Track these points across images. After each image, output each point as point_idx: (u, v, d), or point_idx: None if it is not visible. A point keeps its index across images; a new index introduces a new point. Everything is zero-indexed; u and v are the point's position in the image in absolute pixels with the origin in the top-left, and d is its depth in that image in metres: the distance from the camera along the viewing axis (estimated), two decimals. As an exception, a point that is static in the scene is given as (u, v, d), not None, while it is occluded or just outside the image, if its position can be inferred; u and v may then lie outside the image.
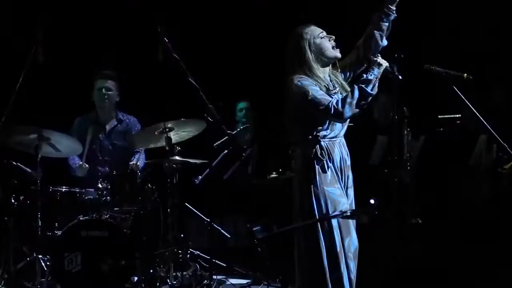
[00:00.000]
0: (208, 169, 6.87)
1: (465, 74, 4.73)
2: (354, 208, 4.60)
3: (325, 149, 4.48)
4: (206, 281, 6.22)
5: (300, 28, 4.56)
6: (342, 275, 4.45)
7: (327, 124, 4.49)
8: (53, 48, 6.27)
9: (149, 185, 6.28)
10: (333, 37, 4.58)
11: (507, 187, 7.07)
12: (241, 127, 7.06)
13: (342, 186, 4.54)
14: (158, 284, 6.06)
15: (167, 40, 5.73)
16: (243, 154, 7.36)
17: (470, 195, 7.89)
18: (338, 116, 4.38)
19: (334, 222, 4.42)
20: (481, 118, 4.80)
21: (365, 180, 7.63)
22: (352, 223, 4.49)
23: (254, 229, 4.24)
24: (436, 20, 9.22)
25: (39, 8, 8.06)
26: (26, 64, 5.60)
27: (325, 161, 4.46)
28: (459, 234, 7.40)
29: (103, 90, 6.60)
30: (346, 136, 4.69)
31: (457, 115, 7.57)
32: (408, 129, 7.40)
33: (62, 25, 8.11)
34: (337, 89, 4.55)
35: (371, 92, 4.39)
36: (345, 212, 4.47)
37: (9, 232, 5.82)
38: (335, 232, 4.44)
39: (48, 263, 5.86)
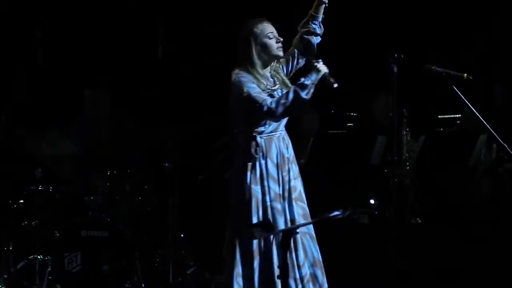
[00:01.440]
0: (208, 169, 6.88)
1: (465, 74, 4.72)
2: (303, 200, 4.64)
3: (261, 146, 4.53)
4: (206, 281, 6.22)
5: (252, 23, 4.61)
6: (254, 273, 4.46)
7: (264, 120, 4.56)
8: (53, 48, 6.27)
9: (149, 185, 6.28)
10: (281, 39, 4.62)
11: (507, 187, 7.07)
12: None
13: (280, 182, 4.57)
14: (158, 284, 6.06)
15: (165, 39, 5.74)
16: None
17: (470, 195, 7.89)
18: (271, 115, 4.45)
19: (255, 220, 4.47)
20: (481, 118, 4.80)
21: (365, 180, 7.65)
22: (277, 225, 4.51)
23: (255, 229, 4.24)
24: (436, 20, 9.22)
25: (39, 9, 8.07)
26: (25, 65, 5.61)
27: (259, 158, 4.51)
28: (459, 234, 7.40)
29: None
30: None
31: (457, 115, 7.57)
32: (407, 129, 7.40)
33: (61, 26, 8.12)
34: (277, 85, 4.60)
35: (305, 97, 4.42)
36: (345, 212, 4.48)
37: (9, 232, 5.82)
38: None
39: (48, 263, 5.86)
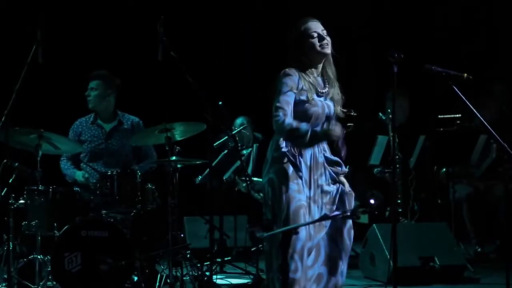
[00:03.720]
0: (208, 169, 6.87)
1: (465, 74, 4.73)
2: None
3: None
4: (205, 281, 6.21)
5: (297, 24, 4.70)
6: (274, 276, 4.56)
7: None
8: (53, 48, 6.27)
9: (149, 185, 6.27)
10: (326, 37, 4.67)
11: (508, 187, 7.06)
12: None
13: (311, 185, 4.65)
14: (158, 284, 6.06)
15: (165, 40, 5.73)
16: (243, 154, 7.36)
17: (469, 194, 7.89)
18: (277, 131, 4.60)
19: (283, 214, 4.54)
20: (481, 118, 4.80)
21: (365, 180, 7.65)
22: None
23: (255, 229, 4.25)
24: (436, 20, 9.23)
25: (39, 8, 8.08)
26: (26, 65, 5.60)
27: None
28: (458, 234, 7.40)
29: (88, 90, 6.62)
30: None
31: (457, 115, 7.57)
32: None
33: (62, 26, 8.13)
34: (326, 89, 4.69)
35: (306, 141, 4.53)
36: (345, 212, 4.49)
37: (9, 232, 5.81)
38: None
39: (48, 263, 5.85)
